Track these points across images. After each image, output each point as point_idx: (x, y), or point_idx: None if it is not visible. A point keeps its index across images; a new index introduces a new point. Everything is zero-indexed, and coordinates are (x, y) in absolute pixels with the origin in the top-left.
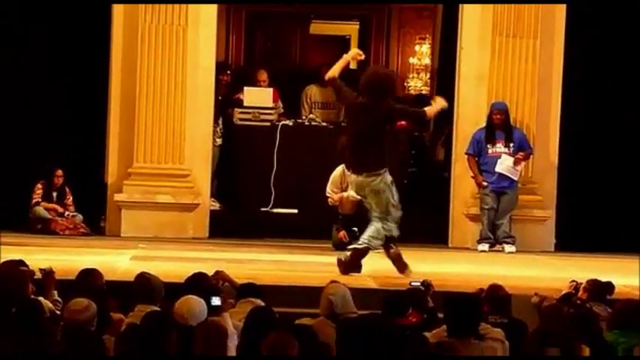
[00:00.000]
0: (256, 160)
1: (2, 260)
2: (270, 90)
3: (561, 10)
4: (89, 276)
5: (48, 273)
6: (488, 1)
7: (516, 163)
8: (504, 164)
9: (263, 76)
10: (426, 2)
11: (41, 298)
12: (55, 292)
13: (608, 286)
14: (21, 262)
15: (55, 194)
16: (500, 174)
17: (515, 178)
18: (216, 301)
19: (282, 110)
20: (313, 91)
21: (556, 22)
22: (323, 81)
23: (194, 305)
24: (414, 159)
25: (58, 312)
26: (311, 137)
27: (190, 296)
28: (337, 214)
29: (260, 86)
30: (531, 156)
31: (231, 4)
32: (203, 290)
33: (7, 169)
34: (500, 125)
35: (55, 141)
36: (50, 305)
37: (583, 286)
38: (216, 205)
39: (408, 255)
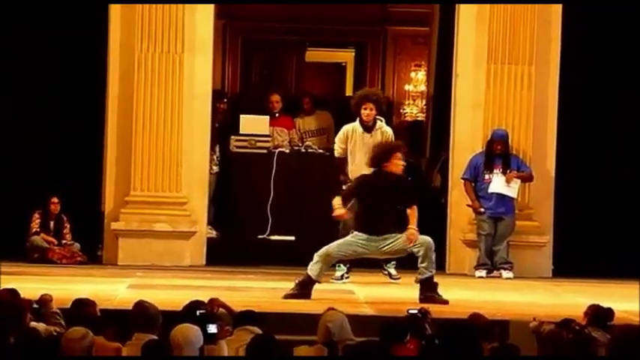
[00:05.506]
0: (253, 188)
1: None
2: (267, 117)
3: (556, 35)
4: (83, 305)
5: (41, 299)
6: (486, 1)
7: (508, 180)
8: (495, 182)
9: (276, 97)
10: (424, 2)
11: (41, 324)
12: (53, 305)
13: (609, 312)
14: (13, 291)
15: (52, 223)
16: (497, 198)
17: (512, 195)
18: (212, 328)
19: (297, 139)
20: (302, 121)
21: (551, 47)
22: (307, 110)
23: (190, 333)
24: None
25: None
26: (307, 164)
27: (186, 324)
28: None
29: (273, 108)
30: (531, 176)
31: (227, 3)
32: (199, 318)
33: (2, 199)
34: (500, 154)
35: (51, 169)
36: (47, 327)
37: (584, 311)
38: (213, 233)
39: (406, 281)
